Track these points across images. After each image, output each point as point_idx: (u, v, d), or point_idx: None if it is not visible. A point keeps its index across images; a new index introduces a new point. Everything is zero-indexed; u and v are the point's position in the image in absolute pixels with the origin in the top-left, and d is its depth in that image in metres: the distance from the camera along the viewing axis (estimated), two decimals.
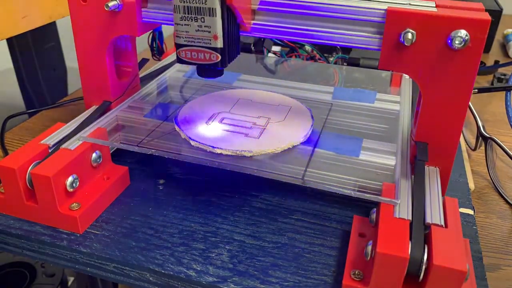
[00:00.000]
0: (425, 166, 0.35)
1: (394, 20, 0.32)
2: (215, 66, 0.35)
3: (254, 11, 0.36)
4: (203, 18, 0.34)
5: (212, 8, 0.33)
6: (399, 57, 0.33)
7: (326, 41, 0.35)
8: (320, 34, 0.35)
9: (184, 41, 0.35)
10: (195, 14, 0.34)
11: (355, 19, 0.34)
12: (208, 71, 0.36)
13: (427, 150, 0.35)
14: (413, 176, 0.34)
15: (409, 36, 0.31)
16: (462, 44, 0.31)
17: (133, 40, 0.45)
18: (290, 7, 0.35)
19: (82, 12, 0.40)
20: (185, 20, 0.34)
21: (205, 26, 0.34)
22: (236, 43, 0.37)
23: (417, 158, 0.35)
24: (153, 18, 0.39)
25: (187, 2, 0.33)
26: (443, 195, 0.35)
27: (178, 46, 0.36)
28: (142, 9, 0.39)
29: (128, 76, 0.46)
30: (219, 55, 0.35)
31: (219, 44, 0.34)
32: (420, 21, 0.31)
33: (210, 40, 0.34)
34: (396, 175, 0.35)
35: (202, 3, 0.33)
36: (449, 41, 0.31)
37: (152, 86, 0.48)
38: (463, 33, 0.31)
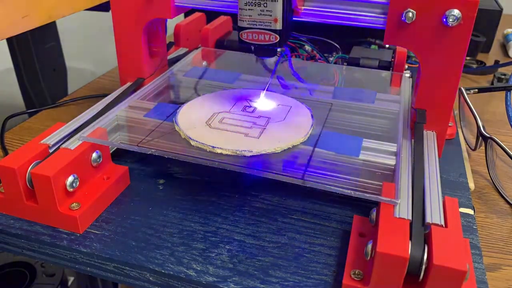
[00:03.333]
0: (424, 131, 0.41)
1: (397, 1, 0.37)
2: (273, 46, 0.40)
3: None
4: (266, 3, 0.38)
5: None
6: (401, 34, 0.38)
7: (340, 21, 0.40)
8: (337, 15, 0.40)
9: (247, 24, 0.40)
10: (258, 0, 0.38)
11: (364, 1, 0.39)
12: (266, 50, 0.41)
13: (425, 114, 0.41)
14: (413, 140, 0.39)
15: (410, 15, 0.37)
16: (455, 22, 0.36)
17: (163, 23, 0.50)
18: None
19: None
20: (249, 5, 0.39)
21: (267, 10, 0.38)
22: (290, 27, 0.41)
23: (416, 122, 0.40)
24: (186, 2, 0.44)
25: None
26: (439, 157, 0.40)
27: (240, 28, 0.40)
28: None
29: (158, 56, 0.51)
30: (278, 36, 0.39)
31: (279, 26, 0.39)
32: (419, 1, 0.36)
33: (271, 22, 0.39)
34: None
35: None
36: (444, 19, 0.36)
37: (152, 86, 0.48)
38: (456, 12, 0.36)
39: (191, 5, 0.44)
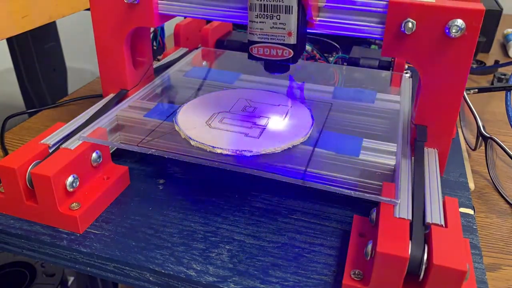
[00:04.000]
0: (425, 148, 0.38)
1: (395, 11, 0.34)
2: (287, 62, 0.37)
3: (319, 8, 0.38)
4: (279, 15, 0.35)
5: (289, 6, 0.35)
6: (400, 45, 0.35)
7: (334, 31, 0.37)
8: (333, 25, 0.37)
9: (258, 38, 0.36)
10: (271, 12, 0.35)
11: (359, 10, 0.36)
12: (278, 66, 0.38)
13: (426, 132, 0.38)
14: (413, 157, 0.37)
15: (410, 25, 0.34)
16: (458, 33, 0.33)
17: (148, 32, 0.48)
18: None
19: (101, 4, 0.42)
20: (260, 18, 0.35)
21: (280, 23, 0.35)
22: (304, 40, 0.38)
23: (416, 140, 0.38)
24: (170, 10, 0.41)
25: (264, 0, 0.35)
26: (441, 175, 0.38)
27: (251, 43, 0.37)
28: (159, 1, 0.41)
29: (143, 66, 0.48)
30: (291, 51, 0.36)
31: (293, 40, 0.36)
32: (419, 11, 0.34)
33: (284, 36, 0.36)
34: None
35: (280, 1, 0.35)
36: (447, 30, 0.34)
37: (152, 86, 0.48)
38: (459, 22, 0.33)
39: (175, 14, 0.42)
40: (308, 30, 0.38)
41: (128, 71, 0.45)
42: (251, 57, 0.38)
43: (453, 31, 0.33)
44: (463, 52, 0.34)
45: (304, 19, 0.36)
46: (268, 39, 0.36)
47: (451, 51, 0.35)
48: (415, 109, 0.40)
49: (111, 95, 0.46)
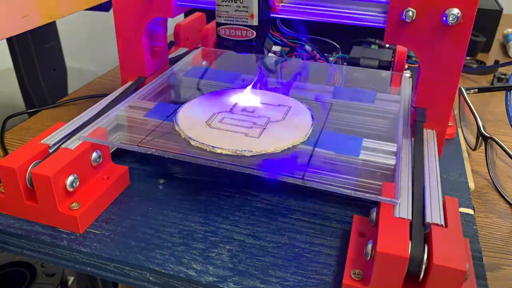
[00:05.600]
0: (424, 129, 0.41)
1: (397, 0, 0.37)
2: (250, 41, 0.41)
3: None
4: None
5: None
6: (401, 33, 0.38)
7: (340, 20, 0.41)
8: (335, 14, 0.41)
9: (224, 20, 0.41)
10: None
11: (364, 0, 0.40)
12: (244, 46, 0.42)
13: (425, 113, 0.41)
14: (413, 138, 0.39)
15: (410, 14, 0.37)
16: (455, 21, 0.36)
17: (164, 22, 0.51)
18: None
19: None
20: (226, 1, 0.40)
21: (243, 7, 0.39)
22: (268, 23, 0.42)
23: (416, 120, 0.41)
24: (186, 2, 0.44)
25: None
26: (439, 156, 0.40)
27: (218, 24, 0.41)
28: None
29: (159, 56, 0.51)
30: (254, 31, 0.40)
31: (255, 22, 0.40)
32: (419, 0, 0.37)
33: (247, 18, 0.40)
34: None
35: None
36: (444, 18, 0.36)
37: (152, 86, 0.48)
38: (455, 11, 0.36)
39: (191, 5, 0.44)
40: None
41: (146, 60, 0.48)
42: (219, 37, 0.42)
43: (450, 19, 0.36)
44: (459, 38, 0.37)
45: (266, 4, 0.40)
46: (233, 21, 0.40)
47: (448, 38, 0.37)
48: (415, 93, 0.43)
49: (130, 83, 0.48)
